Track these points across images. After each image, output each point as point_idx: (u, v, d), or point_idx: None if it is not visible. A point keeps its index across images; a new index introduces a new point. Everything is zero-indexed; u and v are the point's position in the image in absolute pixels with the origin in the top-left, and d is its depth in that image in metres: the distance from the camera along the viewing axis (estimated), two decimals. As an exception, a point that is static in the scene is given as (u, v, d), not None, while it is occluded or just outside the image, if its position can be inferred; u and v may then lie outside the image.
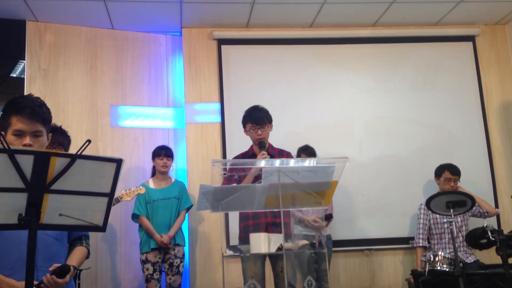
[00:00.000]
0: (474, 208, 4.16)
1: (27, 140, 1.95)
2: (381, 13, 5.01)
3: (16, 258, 1.91)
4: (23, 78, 4.71)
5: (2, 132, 1.98)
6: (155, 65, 5.14)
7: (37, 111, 1.99)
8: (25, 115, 1.95)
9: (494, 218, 4.87)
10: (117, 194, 4.12)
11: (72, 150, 1.65)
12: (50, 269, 1.91)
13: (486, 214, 4.41)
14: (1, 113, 2.06)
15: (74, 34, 4.92)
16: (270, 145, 3.60)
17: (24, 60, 4.74)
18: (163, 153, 4.43)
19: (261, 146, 3.45)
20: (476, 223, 4.46)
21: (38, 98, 2.06)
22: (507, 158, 5.14)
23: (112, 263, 4.62)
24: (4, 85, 4.96)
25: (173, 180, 4.53)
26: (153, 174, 4.52)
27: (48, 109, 2.05)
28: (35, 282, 1.86)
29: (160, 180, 4.47)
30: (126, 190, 4.21)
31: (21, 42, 4.74)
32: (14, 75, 4.89)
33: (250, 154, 3.58)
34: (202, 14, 4.86)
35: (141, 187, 4.28)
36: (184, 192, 4.46)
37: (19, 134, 1.95)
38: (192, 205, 4.44)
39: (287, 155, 3.63)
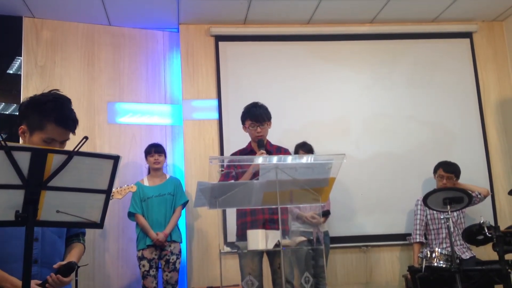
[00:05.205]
0: None
1: (57, 148, 1.92)
2: (379, 9, 5.00)
3: (20, 253, 1.90)
4: (20, 75, 4.69)
5: (23, 127, 1.95)
6: (152, 62, 5.13)
7: (72, 119, 1.96)
8: (61, 125, 1.92)
9: (491, 215, 4.89)
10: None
11: (69, 147, 1.65)
12: (55, 266, 1.90)
13: (479, 196, 4.40)
14: (27, 107, 1.96)
15: (71, 31, 4.91)
16: (268, 142, 3.61)
17: (21, 56, 4.72)
18: (153, 150, 4.45)
19: (260, 145, 3.45)
20: (473, 219, 4.48)
21: (68, 100, 2.00)
22: (504, 155, 5.16)
23: (109, 260, 4.62)
24: (1, 82, 4.95)
25: (168, 176, 4.53)
26: (149, 172, 4.53)
27: (75, 114, 2.01)
28: (39, 282, 1.86)
29: (154, 177, 4.48)
30: (117, 188, 4.18)
31: (17, 39, 4.73)
32: (11, 72, 4.88)
33: (248, 151, 3.58)
34: (199, 10, 4.85)
35: (132, 185, 4.26)
36: (179, 188, 4.47)
37: (50, 142, 1.93)
38: (187, 201, 4.45)
39: (285, 152, 3.63)
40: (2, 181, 1.54)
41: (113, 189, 4.13)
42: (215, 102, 4.99)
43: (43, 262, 1.95)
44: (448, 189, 3.94)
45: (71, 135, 2.01)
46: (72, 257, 2.06)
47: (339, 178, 2.77)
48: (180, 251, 4.32)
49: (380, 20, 5.21)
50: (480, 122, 5.18)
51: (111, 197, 4.24)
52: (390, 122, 5.09)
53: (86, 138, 1.60)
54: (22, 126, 1.96)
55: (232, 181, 3.27)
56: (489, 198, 4.82)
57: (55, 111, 1.93)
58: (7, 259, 1.89)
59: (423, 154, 4.97)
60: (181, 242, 4.38)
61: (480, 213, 4.21)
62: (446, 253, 3.64)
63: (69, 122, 1.95)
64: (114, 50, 5.02)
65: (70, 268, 1.89)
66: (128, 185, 4.24)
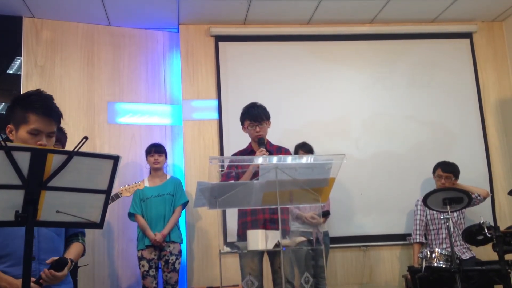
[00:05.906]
0: None
1: (44, 140, 1.94)
2: (379, 9, 5.00)
3: (20, 251, 1.91)
4: (20, 75, 4.69)
5: (10, 125, 1.97)
6: (152, 62, 5.13)
7: (55, 110, 1.99)
8: (44, 115, 1.94)
9: (491, 215, 4.89)
10: (116, 190, 4.14)
11: (69, 147, 1.65)
12: (48, 262, 1.91)
13: (479, 197, 4.39)
14: (11, 105, 2.01)
15: (71, 31, 4.91)
16: (269, 142, 3.61)
17: (21, 56, 4.72)
18: (153, 150, 4.46)
19: (260, 143, 3.45)
20: (473, 219, 4.48)
21: (51, 95, 2.04)
22: (504, 155, 5.16)
23: (109, 260, 4.62)
24: (1, 82, 4.95)
25: (168, 177, 4.53)
26: (151, 172, 4.53)
27: (58, 108, 2.05)
28: (33, 279, 1.86)
29: (154, 177, 4.48)
30: (125, 186, 4.22)
31: (17, 39, 4.73)
32: (11, 72, 4.88)
33: (249, 151, 3.59)
34: (199, 10, 4.85)
35: (140, 182, 4.30)
36: (180, 188, 4.46)
37: (36, 133, 1.94)
38: (187, 201, 4.45)
39: (286, 152, 3.63)
40: (2, 181, 1.54)
41: (121, 187, 4.16)
42: (215, 102, 4.99)
43: (40, 259, 1.96)
44: (448, 189, 3.94)
45: (72, 136, 2.01)
46: (69, 254, 2.07)
47: (339, 178, 2.77)
48: (179, 252, 4.32)
49: (380, 20, 5.21)
50: (480, 122, 5.18)
51: (119, 195, 4.28)
52: (390, 122, 5.09)
53: (86, 138, 1.60)
54: (9, 125, 1.99)
55: (232, 181, 3.27)
56: (488, 199, 4.82)
57: (37, 102, 1.96)
58: (6, 256, 1.90)
59: (422, 154, 4.98)
60: (181, 242, 4.37)
61: (480, 214, 4.20)
62: (446, 253, 3.64)
63: (51, 111, 1.97)
64: (114, 50, 5.02)
65: (62, 263, 1.90)
66: (136, 183, 4.28)
